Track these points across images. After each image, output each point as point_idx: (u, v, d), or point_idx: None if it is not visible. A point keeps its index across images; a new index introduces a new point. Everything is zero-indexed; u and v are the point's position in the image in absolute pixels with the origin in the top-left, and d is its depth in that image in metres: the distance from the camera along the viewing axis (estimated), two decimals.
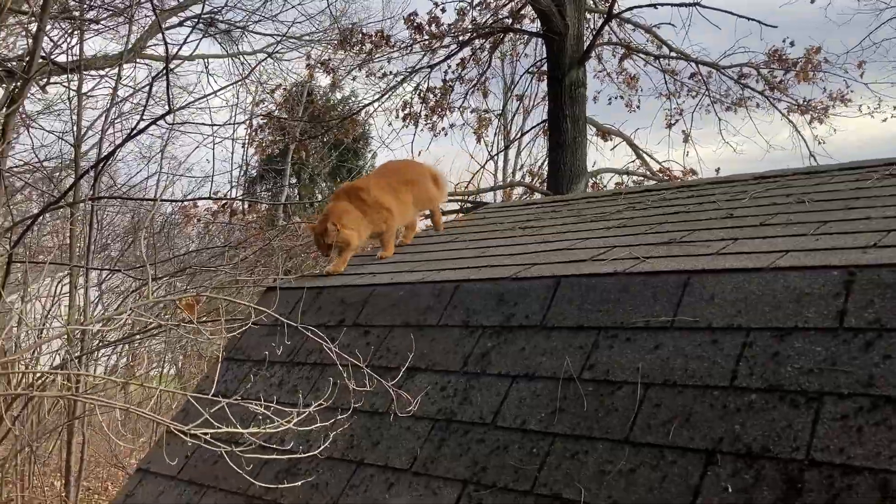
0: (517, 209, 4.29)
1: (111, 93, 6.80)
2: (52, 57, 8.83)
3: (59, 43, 9.31)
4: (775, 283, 2.11)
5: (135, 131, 3.57)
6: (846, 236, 2.30)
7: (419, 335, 2.74)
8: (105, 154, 4.46)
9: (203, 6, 11.69)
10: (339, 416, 2.63)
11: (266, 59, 12.68)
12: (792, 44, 11.56)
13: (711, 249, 2.47)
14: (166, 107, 3.59)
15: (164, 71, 3.22)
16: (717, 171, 12.21)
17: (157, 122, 3.82)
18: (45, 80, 10.10)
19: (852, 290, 1.96)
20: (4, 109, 4.60)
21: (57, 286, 9.78)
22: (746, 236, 2.56)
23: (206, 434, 2.00)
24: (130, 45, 9.53)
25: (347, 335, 2.96)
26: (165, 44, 3.88)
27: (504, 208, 4.50)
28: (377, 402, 2.59)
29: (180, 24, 12.49)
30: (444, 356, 2.59)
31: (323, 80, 15.91)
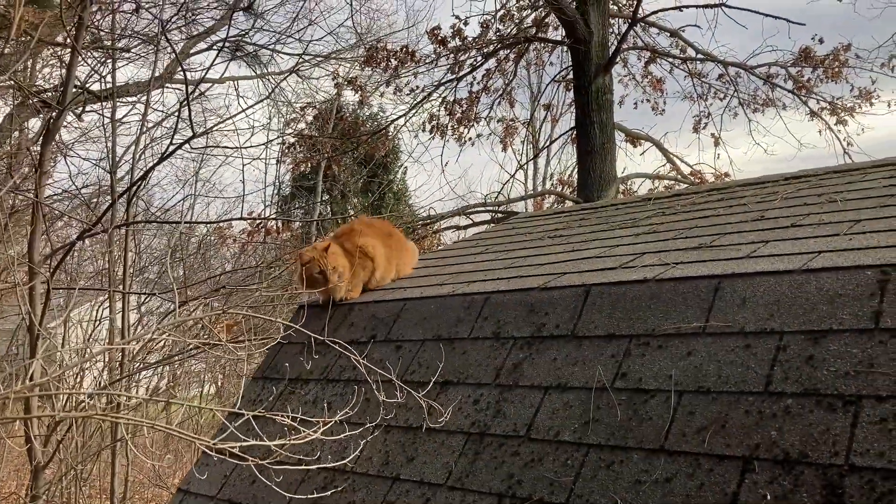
0: (546, 218, 4.28)
1: (141, 119, 6.91)
2: (87, 85, 9.04)
3: (92, 72, 9.51)
4: (808, 284, 2.08)
5: (163, 156, 3.64)
6: (879, 235, 2.26)
7: (450, 348, 2.74)
8: (136, 180, 4.54)
9: (228, 30, 11.89)
10: (374, 433, 2.65)
11: (289, 74, 12.82)
12: (821, 41, 11.43)
13: (742, 253, 2.44)
14: (195, 130, 3.65)
15: (186, 99, 3.27)
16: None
17: (184, 147, 3.88)
18: (81, 108, 10.35)
19: (887, 289, 1.93)
20: (40, 141, 4.71)
21: (97, 310, 9.97)
22: (777, 238, 2.53)
23: (233, 448, 2.02)
24: (159, 72, 9.71)
25: (379, 350, 2.98)
26: (184, 72, 3.94)
27: (533, 217, 4.50)
28: (410, 417, 2.60)
29: (209, 48, 12.72)
30: (476, 369, 2.59)
31: (351, 97, 16.04)
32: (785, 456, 1.78)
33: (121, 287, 5.87)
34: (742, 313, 2.13)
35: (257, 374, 3.42)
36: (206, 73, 9.39)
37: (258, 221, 12.09)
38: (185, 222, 8.05)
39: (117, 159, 9.08)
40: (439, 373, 2.67)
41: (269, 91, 14.07)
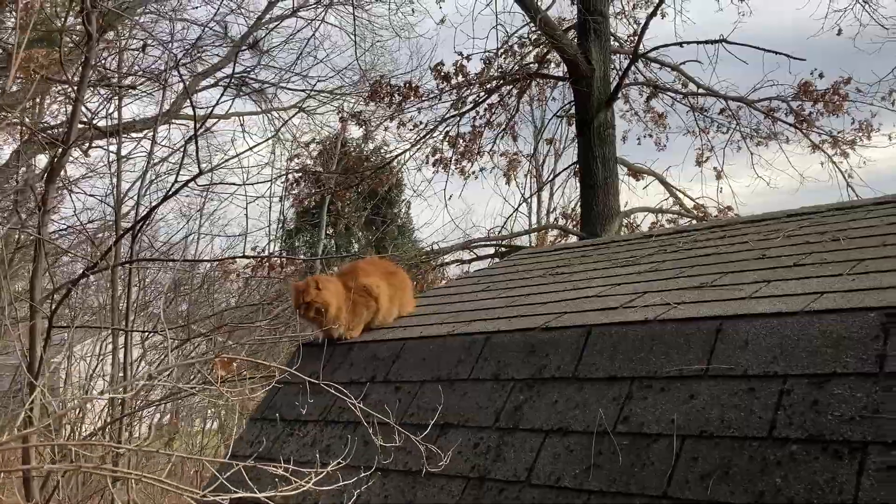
0: (548, 254, 4.27)
1: (147, 155, 6.96)
2: (94, 121, 9.13)
3: (98, 109, 9.60)
4: (811, 327, 2.05)
5: (167, 194, 3.64)
6: (883, 275, 2.24)
7: (450, 390, 2.71)
8: (140, 218, 4.55)
9: (234, 67, 12.02)
10: (371, 478, 2.61)
11: (296, 113, 12.93)
12: (821, 75, 11.48)
13: (744, 293, 2.42)
14: (201, 167, 3.66)
15: (194, 136, 3.28)
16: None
17: (189, 185, 3.89)
18: (88, 144, 10.43)
19: (891, 332, 1.90)
20: (44, 179, 4.73)
21: (102, 345, 9.94)
22: (779, 278, 2.51)
23: (223, 499, 1.99)
24: (165, 109, 9.80)
25: (378, 391, 2.95)
26: (193, 108, 3.96)
27: (535, 254, 4.48)
28: (410, 460, 2.56)
29: (214, 84, 12.84)
30: (477, 411, 2.56)
31: (356, 133, 16.15)
32: None
33: (123, 324, 5.85)
34: (744, 356, 2.09)
35: (255, 415, 3.38)
36: (212, 110, 9.49)
37: (262, 257, 12.10)
38: (186, 260, 8.05)
39: (122, 195, 9.15)
40: (439, 415, 2.64)
41: (276, 130, 14.20)
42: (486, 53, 11.12)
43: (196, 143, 3.63)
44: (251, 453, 3.14)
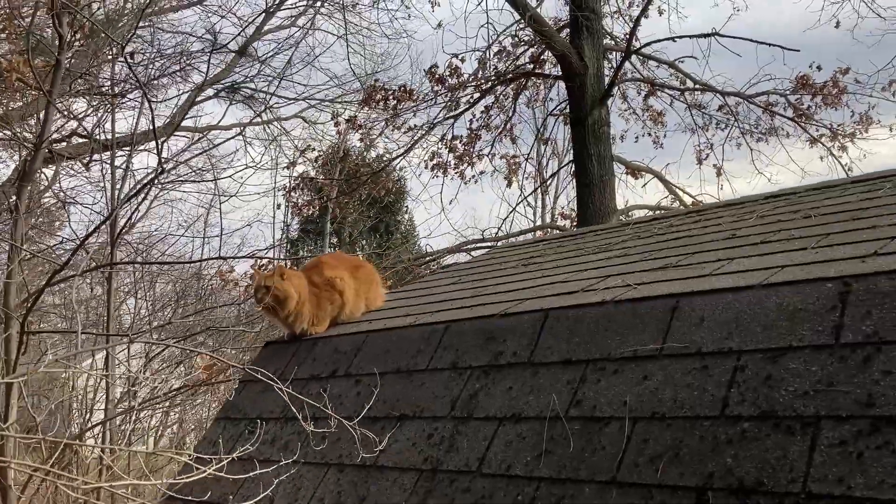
0: (525, 247, 4.17)
1: (125, 162, 6.90)
2: (94, 135, 9.09)
3: (99, 121, 9.57)
4: (767, 300, 1.95)
5: (129, 195, 3.56)
6: (846, 247, 2.13)
7: (409, 381, 2.62)
8: (103, 220, 4.48)
9: (208, 67, 11.98)
10: (327, 473, 2.52)
11: (287, 130, 12.90)
12: (819, 68, 11.33)
13: (705, 271, 2.31)
14: (205, 176, 3.58)
15: (153, 133, 3.21)
16: None
17: (192, 192, 3.80)
18: (88, 158, 10.39)
19: (848, 301, 1.79)
20: (16, 182, 4.67)
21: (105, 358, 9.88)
22: (743, 255, 2.40)
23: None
24: (159, 120, 9.77)
25: (339, 385, 2.86)
26: (153, 112, 3.88)
27: (513, 247, 4.38)
28: (365, 455, 2.46)
29: (208, 99, 12.81)
30: (433, 401, 2.46)
31: (356, 142, 16.09)
32: (740, 484, 1.63)
33: (105, 329, 5.78)
34: (699, 333, 1.99)
35: (220, 415, 3.30)
36: (187, 115, 9.39)
37: (260, 263, 12.02)
38: (165, 262, 7.97)
39: (116, 207, 9.11)
40: (396, 406, 2.55)
41: (272, 138, 14.17)
42: (478, 52, 11.01)
43: (157, 142, 3.55)
44: (213, 452, 3.05)
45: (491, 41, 10.34)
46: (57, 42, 4.96)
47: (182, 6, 13.85)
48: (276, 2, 14.32)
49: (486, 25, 10.05)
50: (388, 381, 2.69)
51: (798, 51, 8.56)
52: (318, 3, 14.04)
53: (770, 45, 8.75)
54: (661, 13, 11.83)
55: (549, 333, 2.34)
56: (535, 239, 4.43)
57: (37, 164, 4.76)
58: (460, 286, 3.42)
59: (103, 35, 8.88)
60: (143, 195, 3.93)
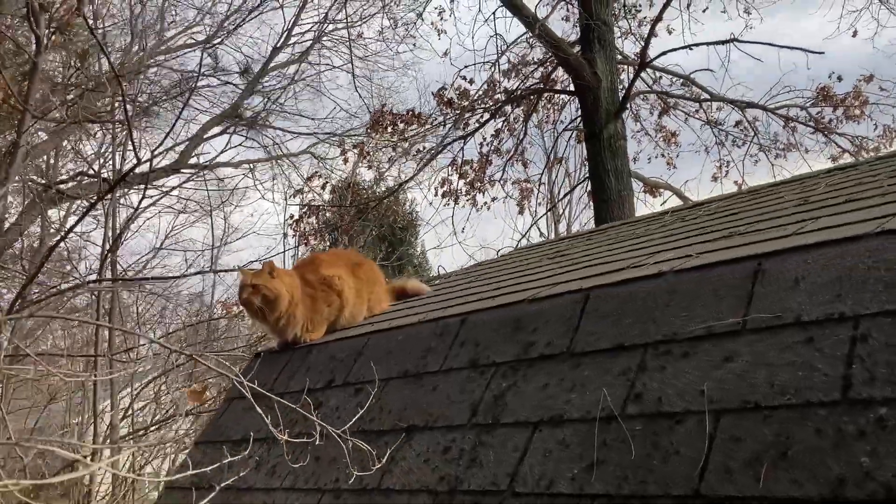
0: (551, 244, 3.70)
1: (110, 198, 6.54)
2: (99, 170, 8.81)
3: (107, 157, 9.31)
4: (886, 250, 1.48)
5: (100, 195, 3.14)
6: None
7: (418, 386, 2.14)
8: (69, 229, 4.04)
9: (233, 108, 11.70)
10: (321, 500, 2.04)
11: (296, 166, 12.63)
12: (840, 79, 10.91)
13: (786, 231, 1.85)
14: (138, 155, 3.17)
15: (127, 121, 2.78)
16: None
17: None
18: (96, 197, 10.07)
19: None
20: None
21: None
22: (831, 213, 1.94)
23: None
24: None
25: (336, 396, 2.39)
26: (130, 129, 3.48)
27: (537, 246, 3.92)
28: (365, 476, 1.98)
29: (219, 132, 12.51)
30: (449, 407, 1.98)
31: (365, 173, 15.74)
32: (887, 493, 1.15)
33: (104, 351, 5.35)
34: (795, 298, 1.52)
35: (200, 438, 2.82)
36: (193, 153, 9.08)
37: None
38: (157, 278, 7.56)
39: (118, 241, 8.73)
40: (404, 416, 2.07)
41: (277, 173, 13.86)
42: (488, 63, 10.61)
43: (130, 131, 3.14)
44: (189, 482, 2.58)
45: (500, 52, 9.93)
46: (34, 45, 4.61)
47: (189, 45, 13.67)
48: (283, 39, 14.16)
49: (494, 36, 9.63)
50: (394, 387, 2.22)
51: (822, 53, 8.15)
52: (325, 34, 13.86)
53: (792, 48, 8.35)
54: (670, 32, 11.49)
55: (591, 317, 1.87)
56: (561, 237, 3.97)
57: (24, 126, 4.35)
58: (479, 283, 2.95)
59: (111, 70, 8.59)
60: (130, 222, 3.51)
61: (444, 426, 1.94)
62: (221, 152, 12.87)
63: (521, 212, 13.73)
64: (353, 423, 2.13)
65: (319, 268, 2.89)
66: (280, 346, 2.89)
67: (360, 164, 14.27)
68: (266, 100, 14.74)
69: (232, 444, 2.60)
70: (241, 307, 2.87)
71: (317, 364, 2.63)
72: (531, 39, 10.19)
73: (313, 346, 2.77)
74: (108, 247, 5.10)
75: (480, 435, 1.83)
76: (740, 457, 1.35)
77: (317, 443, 2.01)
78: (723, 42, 8.75)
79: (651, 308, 1.76)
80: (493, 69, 10.30)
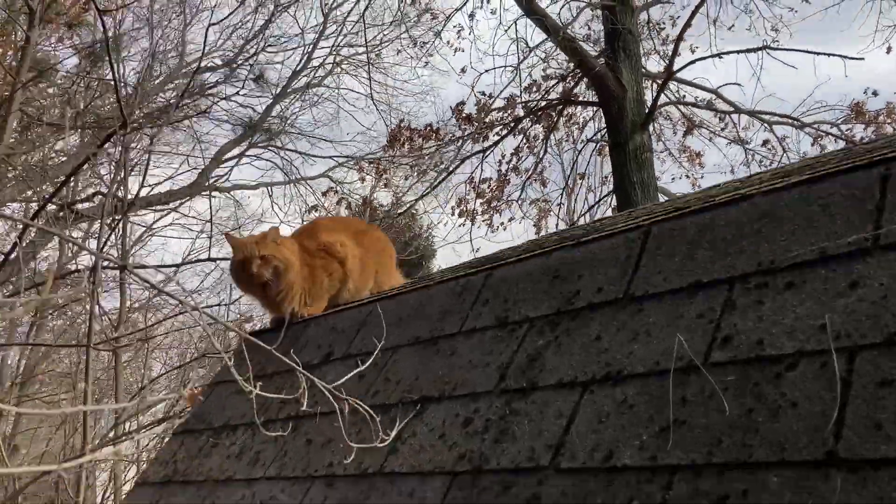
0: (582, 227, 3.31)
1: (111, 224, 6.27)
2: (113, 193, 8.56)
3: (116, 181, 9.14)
4: None
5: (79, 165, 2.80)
6: None
7: (433, 352, 1.74)
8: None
9: (249, 132, 11.48)
10: (310, 488, 1.64)
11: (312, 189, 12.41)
12: (875, 94, 10.51)
13: None
14: (125, 116, 2.85)
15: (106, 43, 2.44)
16: None
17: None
18: (111, 220, 9.82)
19: None
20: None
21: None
22: None
23: None
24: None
25: (335, 370, 1.99)
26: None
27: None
28: (365, 458, 1.58)
29: (237, 155, 12.29)
30: (470, 372, 1.58)
31: (382, 198, 15.43)
32: None
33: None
34: None
35: (178, 429, 2.43)
36: (211, 177, 8.81)
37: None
38: (157, 266, 7.25)
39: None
40: (415, 386, 1.67)
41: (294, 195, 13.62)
42: (509, 68, 10.27)
43: (117, 90, 2.81)
44: (162, 477, 2.18)
45: (523, 56, 9.61)
46: (27, 17, 4.32)
47: (207, 68, 13.50)
48: (303, 62, 13.97)
49: (515, 41, 9.33)
50: (404, 355, 1.83)
51: (863, 59, 7.74)
52: (343, 58, 13.68)
53: (829, 55, 7.96)
54: (693, 51, 11.14)
55: (654, 255, 1.48)
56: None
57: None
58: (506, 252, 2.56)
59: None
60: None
61: (465, 395, 1.53)
62: (231, 168, 12.62)
63: (538, 232, 13.33)
64: (357, 399, 1.73)
65: (320, 234, 2.51)
66: (274, 322, 2.50)
67: (378, 186, 13.99)
68: (284, 122, 14.55)
69: (213, 431, 2.21)
70: (236, 281, 2.46)
71: (315, 338, 2.24)
72: (554, 52, 9.90)
73: (311, 320, 2.38)
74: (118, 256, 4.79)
75: (511, 402, 1.42)
76: (892, 405, 0.94)
77: (310, 413, 1.61)
78: (755, 49, 8.40)
79: (735, 237, 1.36)
80: (514, 73, 9.96)
